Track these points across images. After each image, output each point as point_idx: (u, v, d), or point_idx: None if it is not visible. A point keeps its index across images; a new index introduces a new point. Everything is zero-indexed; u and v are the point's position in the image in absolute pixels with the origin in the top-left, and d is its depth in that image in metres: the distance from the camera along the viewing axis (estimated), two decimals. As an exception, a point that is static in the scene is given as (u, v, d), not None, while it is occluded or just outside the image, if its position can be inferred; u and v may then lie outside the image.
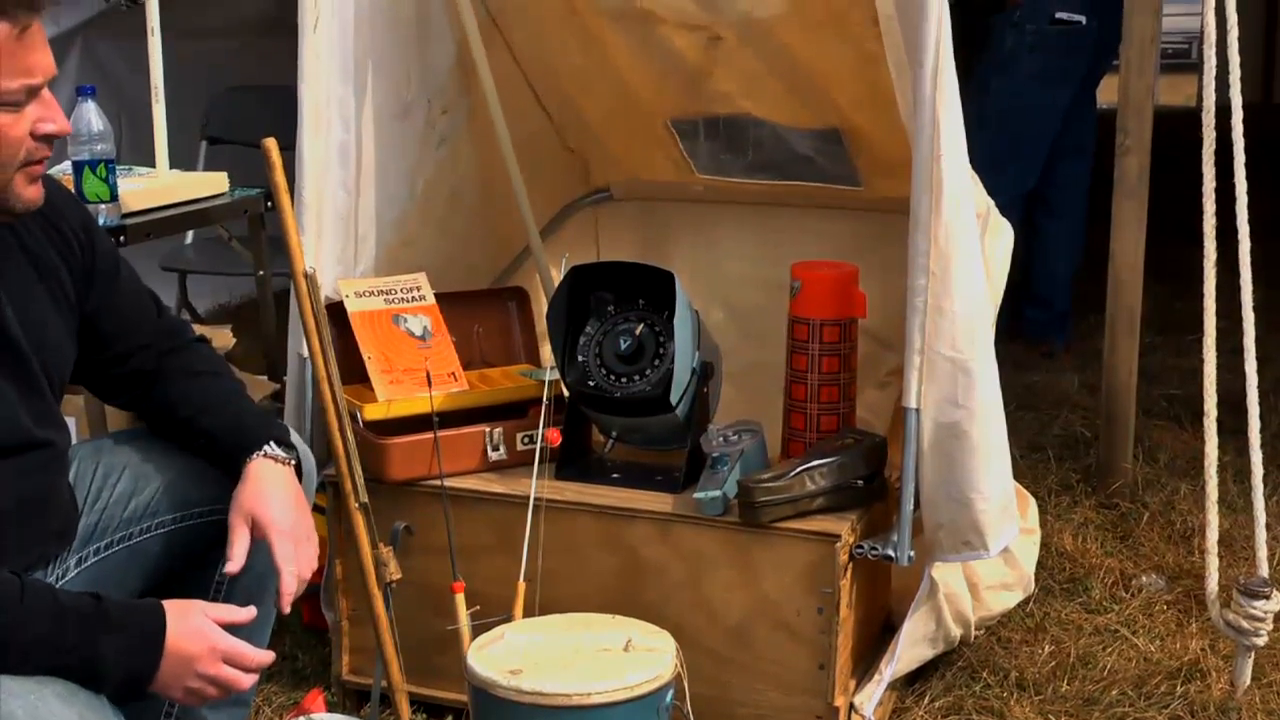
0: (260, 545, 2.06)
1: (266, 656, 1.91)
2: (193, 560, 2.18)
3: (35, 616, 1.76)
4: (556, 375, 2.60)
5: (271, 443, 2.12)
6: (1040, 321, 4.85)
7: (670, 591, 2.47)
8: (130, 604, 1.87)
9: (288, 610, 2.04)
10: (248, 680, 1.87)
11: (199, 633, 1.84)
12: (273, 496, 2.07)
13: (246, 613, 1.90)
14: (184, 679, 1.83)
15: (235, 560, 2.02)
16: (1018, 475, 2.56)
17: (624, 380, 2.56)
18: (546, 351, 2.88)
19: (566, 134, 3.23)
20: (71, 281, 2.05)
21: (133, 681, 1.80)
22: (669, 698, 2.14)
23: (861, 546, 2.40)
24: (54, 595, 1.81)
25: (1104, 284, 3.52)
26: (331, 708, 2.64)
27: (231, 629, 1.95)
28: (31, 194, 1.88)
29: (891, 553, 2.39)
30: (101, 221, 2.77)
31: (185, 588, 2.14)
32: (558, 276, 2.64)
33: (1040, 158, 4.62)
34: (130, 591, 2.13)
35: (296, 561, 2.04)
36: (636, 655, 2.15)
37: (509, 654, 2.18)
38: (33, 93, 1.82)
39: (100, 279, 2.10)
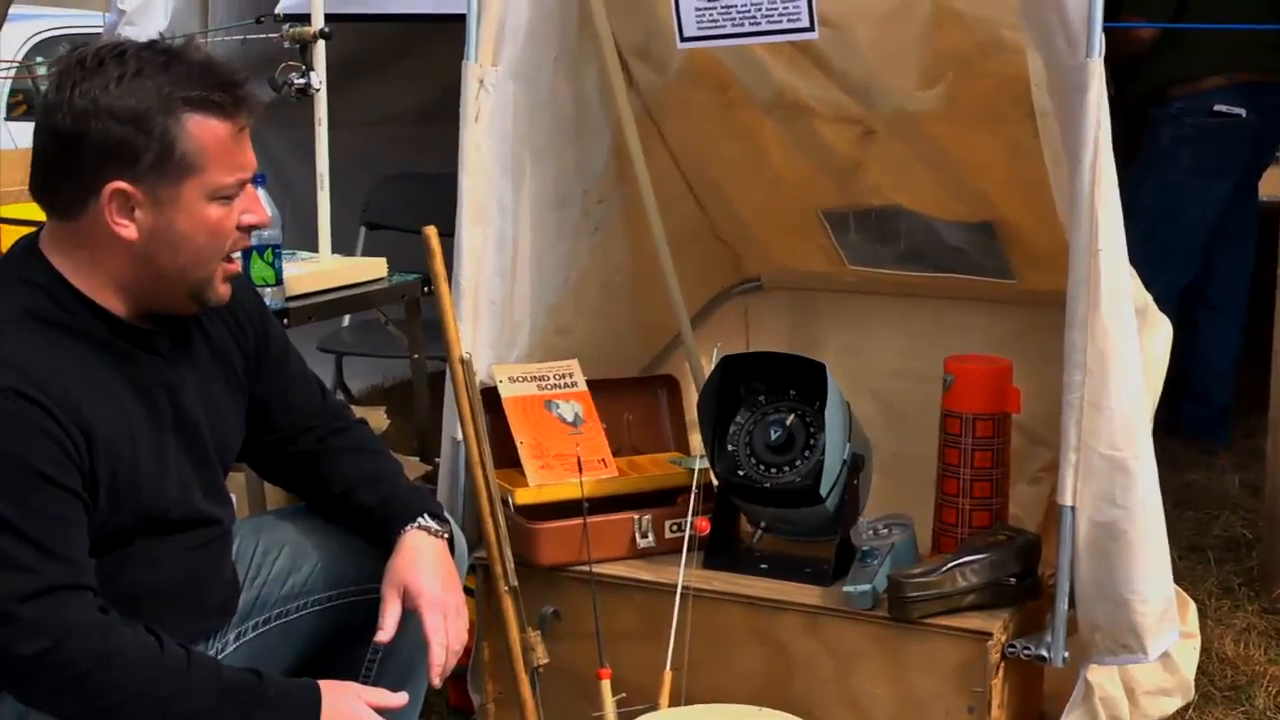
0: (412, 624, 2.11)
1: None
2: (346, 636, 2.23)
3: (199, 689, 1.83)
4: (706, 464, 2.61)
5: (425, 515, 2.16)
6: (1199, 418, 4.73)
7: (817, 686, 2.45)
8: (289, 683, 1.92)
9: (438, 684, 2.07)
10: None
11: (353, 716, 1.88)
12: (425, 568, 2.11)
13: (399, 698, 1.94)
14: None
15: (386, 630, 2.06)
16: (1176, 577, 2.49)
17: (774, 470, 2.57)
18: (696, 440, 2.89)
19: (718, 224, 3.26)
20: (244, 365, 2.15)
21: None
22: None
23: (1014, 645, 2.36)
24: (218, 669, 1.87)
25: (1266, 380, 3.43)
26: (476, 790, 2.66)
27: (383, 712, 2.00)
28: (224, 291, 1.98)
29: (1045, 653, 2.35)
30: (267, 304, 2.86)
31: (338, 663, 2.20)
32: (707, 365, 2.66)
33: (1198, 252, 4.53)
34: (285, 666, 2.19)
35: (446, 634, 2.07)
36: None
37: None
38: (243, 186, 1.93)
39: (271, 364, 2.20)
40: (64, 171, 1.87)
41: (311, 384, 2.29)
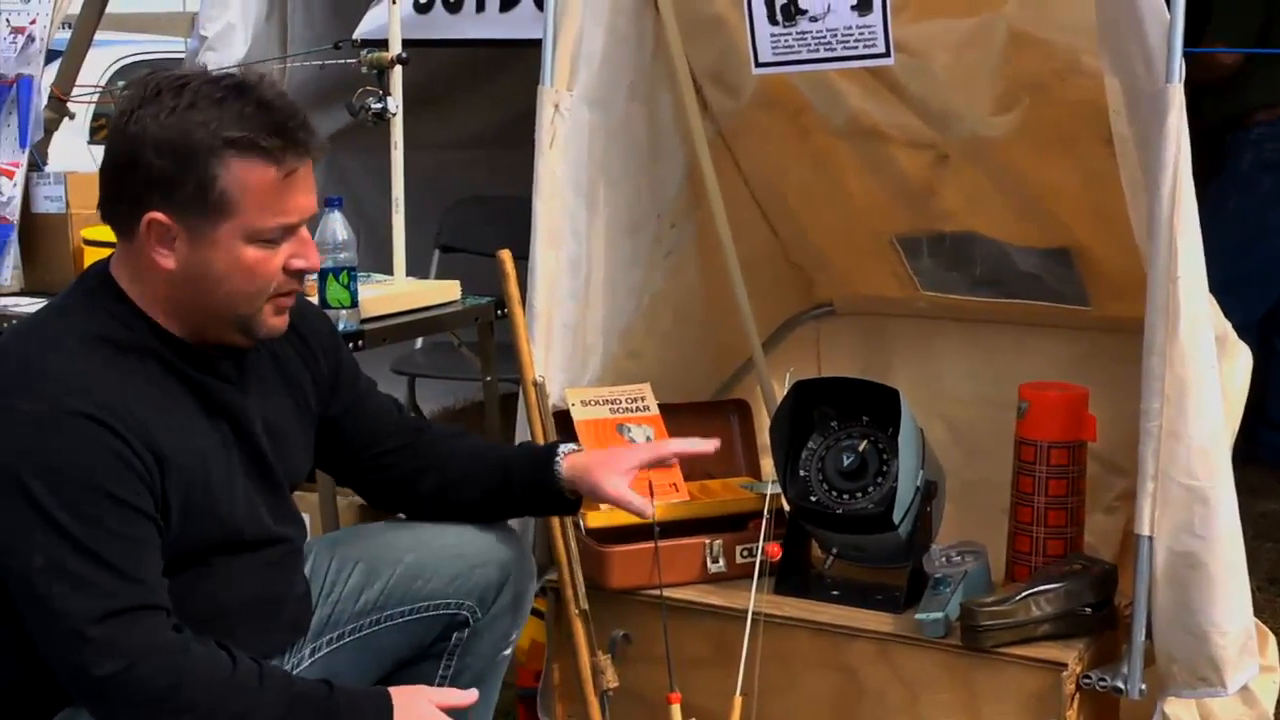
0: (483, 639, 2.23)
1: None
2: (419, 651, 2.26)
3: (271, 702, 1.84)
4: (778, 489, 2.60)
5: (562, 444, 2.28)
6: (1279, 446, 4.66)
7: (888, 714, 2.43)
8: (358, 691, 1.95)
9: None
10: None
11: (425, 718, 1.89)
12: (609, 451, 2.31)
13: (469, 695, 1.96)
14: None
15: (648, 505, 2.21)
16: (1256, 609, 2.45)
17: (846, 497, 2.55)
18: (767, 465, 2.89)
19: (791, 249, 3.25)
20: (315, 391, 2.17)
21: None
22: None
23: (1089, 677, 2.33)
24: (289, 682, 1.89)
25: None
26: (544, 813, 2.66)
27: (456, 714, 2.01)
28: (276, 323, 1.98)
29: (1121, 685, 2.31)
30: (341, 326, 2.89)
31: (413, 678, 2.23)
32: (779, 390, 2.66)
33: (1278, 281, 4.47)
34: (361, 681, 2.21)
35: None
36: None
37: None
38: (289, 231, 1.91)
39: (344, 387, 2.23)
40: (116, 194, 1.89)
41: (385, 402, 2.34)
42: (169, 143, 1.83)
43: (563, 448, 2.27)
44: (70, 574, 1.77)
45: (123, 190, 1.88)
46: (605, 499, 2.24)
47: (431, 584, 2.23)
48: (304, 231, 1.94)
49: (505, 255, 2.59)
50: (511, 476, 2.28)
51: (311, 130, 1.90)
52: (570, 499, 2.27)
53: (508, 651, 2.34)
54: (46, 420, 1.79)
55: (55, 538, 1.76)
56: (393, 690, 1.92)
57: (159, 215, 1.85)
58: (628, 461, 2.25)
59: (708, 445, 2.29)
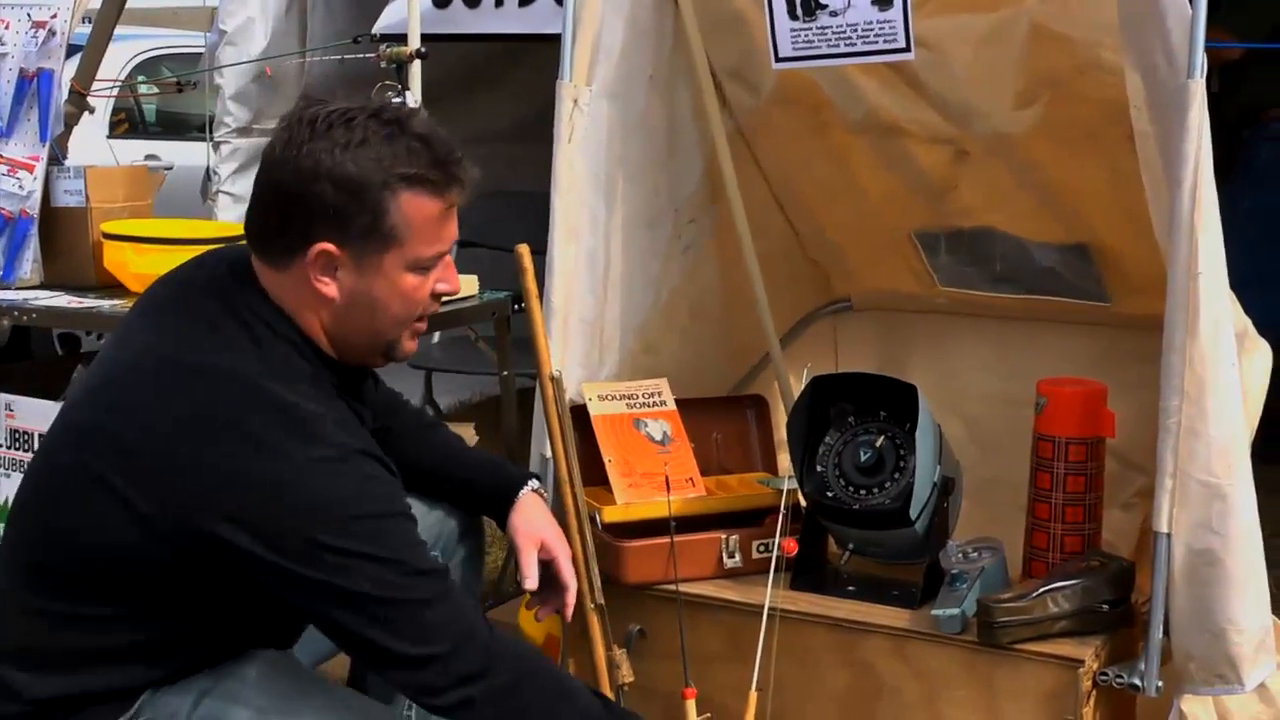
0: None
1: None
2: None
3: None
4: (794, 485, 2.60)
5: (533, 479, 2.39)
6: (1299, 445, 4.63)
7: (904, 710, 2.43)
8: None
9: (570, 619, 2.35)
10: None
11: None
12: (549, 523, 2.35)
13: None
14: None
15: (531, 579, 2.28)
16: (1274, 607, 2.44)
17: (863, 492, 2.55)
18: (784, 460, 2.88)
19: (809, 244, 3.25)
20: None
21: None
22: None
23: (1106, 674, 2.32)
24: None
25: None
26: (560, 807, 2.66)
27: None
28: (411, 347, 2.07)
29: (1138, 682, 2.30)
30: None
31: None
32: (796, 385, 2.65)
33: (1297, 276, 4.45)
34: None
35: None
36: None
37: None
38: (441, 257, 2.00)
39: None
40: (279, 225, 1.94)
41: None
42: (346, 177, 1.89)
43: (521, 492, 2.35)
44: (404, 585, 1.89)
45: (288, 221, 1.93)
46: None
47: None
48: (448, 257, 2.04)
49: (523, 250, 2.59)
50: (469, 500, 2.41)
51: (466, 164, 2.01)
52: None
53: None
54: (340, 457, 1.88)
55: (382, 564, 1.87)
56: None
57: (329, 246, 1.91)
58: (543, 546, 2.33)
59: (569, 604, 2.36)
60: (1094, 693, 2.32)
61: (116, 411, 1.92)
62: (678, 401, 2.78)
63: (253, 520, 1.83)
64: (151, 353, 1.96)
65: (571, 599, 2.33)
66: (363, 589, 1.86)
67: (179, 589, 1.91)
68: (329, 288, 1.94)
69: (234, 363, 1.91)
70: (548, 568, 2.32)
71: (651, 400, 2.77)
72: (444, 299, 2.06)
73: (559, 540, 2.33)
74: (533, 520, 2.33)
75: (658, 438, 2.72)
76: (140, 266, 3.12)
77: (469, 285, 3.44)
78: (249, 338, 1.94)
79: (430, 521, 2.34)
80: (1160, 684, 2.31)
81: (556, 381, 2.62)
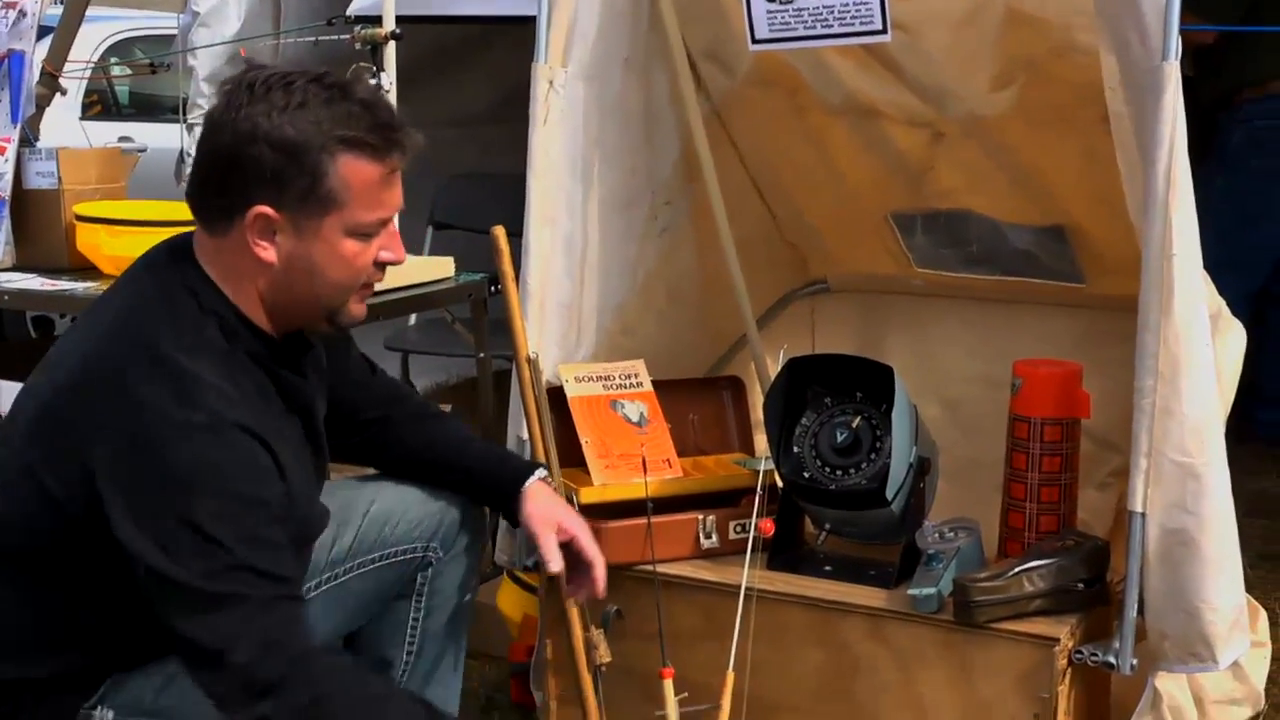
0: (443, 581, 2.35)
1: None
2: (390, 594, 2.35)
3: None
4: (771, 465, 2.60)
5: (541, 469, 2.40)
6: (1272, 423, 4.66)
7: (880, 689, 2.44)
8: None
9: (603, 594, 2.35)
10: None
11: None
12: (563, 506, 2.37)
13: None
14: None
15: (555, 561, 2.30)
16: (1247, 585, 2.45)
17: (839, 473, 2.55)
18: (761, 441, 2.89)
19: (785, 226, 3.25)
20: (328, 373, 2.23)
21: None
22: None
23: (1081, 652, 2.34)
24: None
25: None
26: (538, 787, 2.67)
27: (429, 682, 2.27)
28: (358, 312, 2.05)
29: (1113, 660, 2.32)
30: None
31: (383, 621, 2.36)
32: (773, 367, 2.66)
33: (1269, 256, 4.47)
34: (336, 625, 2.31)
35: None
36: None
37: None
38: (383, 224, 1.98)
39: (336, 352, 2.28)
40: (217, 188, 1.93)
41: (362, 361, 2.41)
42: (283, 139, 1.88)
43: (528, 481, 2.35)
44: (225, 577, 1.82)
45: (227, 184, 1.92)
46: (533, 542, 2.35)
47: (399, 529, 2.32)
48: (393, 226, 2.01)
49: (499, 232, 2.59)
50: (473, 490, 2.40)
51: (408, 130, 1.97)
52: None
53: (468, 598, 2.43)
54: (210, 428, 1.84)
55: (214, 546, 1.81)
56: None
57: (266, 209, 1.90)
58: (561, 529, 2.33)
59: (598, 587, 2.36)
60: (1069, 671, 2.33)
61: (42, 392, 1.94)
62: (654, 383, 2.78)
63: (118, 475, 1.82)
64: (80, 331, 2.01)
65: (601, 573, 2.33)
66: (181, 566, 1.81)
67: (121, 568, 1.87)
68: (267, 252, 1.92)
69: (142, 331, 1.92)
70: (568, 549, 2.32)
71: (628, 382, 2.77)
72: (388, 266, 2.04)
73: (575, 520, 2.34)
74: (545, 505, 2.33)
75: (635, 419, 2.72)
76: (114, 249, 3.11)
77: (444, 268, 3.44)
78: (168, 310, 1.93)
79: (431, 510, 2.34)
80: (1135, 662, 2.33)
81: (533, 363, 2.62)
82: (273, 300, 1.97)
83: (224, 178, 1.91)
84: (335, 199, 1.91)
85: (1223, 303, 2.53)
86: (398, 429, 2.37)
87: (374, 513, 2.32)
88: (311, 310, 2.01)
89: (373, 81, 3.12)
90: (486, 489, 2.40)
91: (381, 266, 2.02)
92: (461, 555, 2.39)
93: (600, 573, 2.33)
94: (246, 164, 1.89)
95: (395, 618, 2.37)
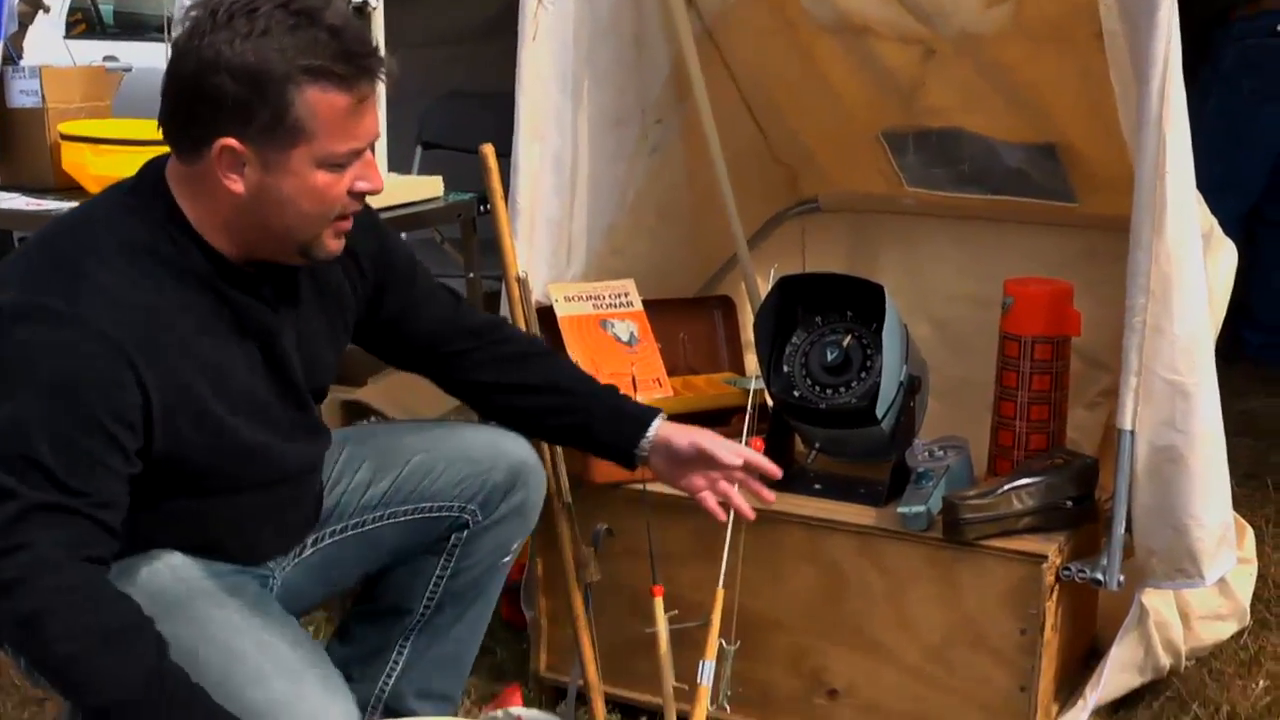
0: (482, 543, 2.28)
1: None
2: (420, 548, 2.30)
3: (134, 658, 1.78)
4: (761, 384, 2.60)
5: (660, 413, 2.30)
6: (1261, 344, 4.68)
7: (869, 606, 2.46)
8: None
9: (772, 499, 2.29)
10: None
11: None
12: (696, 432, 2.27)
13: None
14: None
15: (721, 513, 2.25)
16: (1234, 504, 2.48)
17: (829, 392, 2.56)
18: (751, 360, 2.89)
19: (776, 145, 3.23)
20: (354, 306, 2.17)
21: None
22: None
23: (1069, 569, 2.36)
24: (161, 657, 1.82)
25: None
26: (528, 703, 2.69)
27: (440, 638, 2.20)
28: (335, 246, 1.97)
29: (1100, 576, 2.34)
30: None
31: (407, 574, 2.30)
32: (764, 286, 2.65)
33: (1261, 177, 4.47)
34: (356, 573, 2.29)
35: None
36: None
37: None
38: (357, 155, 1.90)
39: (394, 293, 2.22)
40: (184, 118, 1.87)
41: (442, 301, 2.31)
42: (245, 68, 1.81)
43: (653, 426, 2.27)
44: (7, 464, 1.74)
45: (193, 114, 1.86)
46: (687, 491, 2.30)
47: (437, 484, 2.25)
48: (369, 154, 1.93)
49: (487, 150, 2.57)
50: (590, 429, 2.31)
51: (380, 56, 1.90)
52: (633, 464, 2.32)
53: (508, 559, 2.37)
54: (66, 323, 1.78)
55: (23, 428, 1.74)
56: None
57: (232, 141, 1.84)
58: (717, 464, 2.26)
59: (767, 495, 2.30)
60: (1057, 587, 2.35)
61: None
62: (645, 302, 2.78)
63: None
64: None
65: (773, 468, 2.26)
66: None
67: None
68: (235, 184, 1.86)
69: (69, 223, 1.90)
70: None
71: (618, 301, 2.76)
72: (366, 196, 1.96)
73: (720, 442, 2.26)
74: (692, 435, 2.26)
75: (625, 338, 2.72)
76: (99, 168, 3.08)
77: (433, 187, 3.41)
78: (118, 219, 1.89)
79: (476, 470, 2.27)
80: (1122, 578, 2.35)
81: (522, 282, 2.62)
82: (241, 229, 1.91)
83: (190, 108, 1.85)
84: (302, 131, 1.83)
85: (1214, 221, 2.53)
86: (489, 366, 2.30)
87: (415, 464, 2.26)
88: (283, 242, 1.93)
89: (357, 0, 3.08)
90: (605, 437, 2.31)
91: (358, 197, 1.94)
92: (502, 521, 2.30)
93: (771, 468, 2.26)
94: (210, 94, 1.82)
95: (419, 569, 2.30)
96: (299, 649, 1.97)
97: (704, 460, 2.26)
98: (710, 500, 2.27)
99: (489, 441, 2.32)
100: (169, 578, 1.95)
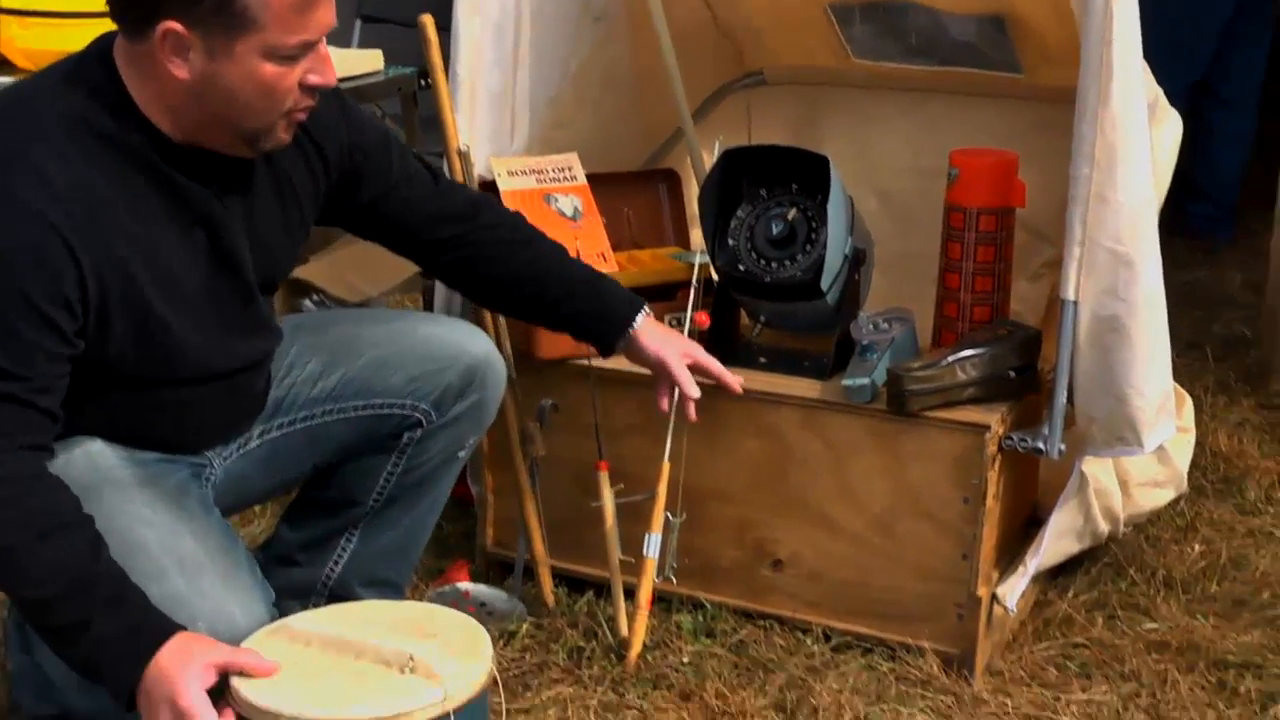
0: (437, 439, 2.25)
1: None
2: (370, 445, 2.26)
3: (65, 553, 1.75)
4: (706, 258, 2.60)
5: (645, 305, 2.33)
6: (1204, 217, 4.71)
7: (813, 477, 2.48)
8: (150, 611, 1.79)
9: (739, 389, 2.39)
10: None
11: (166, 699, 1.71)
12: (677, 335, 2.37)
13: (265, 665, 1.76)
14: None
15: (697, 389, 2.32)
16: (1175, 374, 2.50)
17: (774, 265, 2.55)
18: (696, 235, 2.88)
19: (721, 17, 3.18)
20: (317, 196, 2.10)
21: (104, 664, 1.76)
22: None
23: (1011, 438, 2.38)
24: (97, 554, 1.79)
25: (1274, 177, 3.39)
26: (475, 578, 2.71)
27: (390, 527, 2.21)
28: (284, 138, 1.90)
29: (1042, 445, 2.36)
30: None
31: (357, 471, 2.27)
32: (709, 160, 2.63)
33: (1209, 47, 4.45)
34: (304, 468, 2.25)
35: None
36: (408, 681, 1.75)
37: (283, 647, 1.83)
38: (308, 47, 1.82)
39: (370, 178, 2.16)
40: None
41: (419, 174, 2.25)
42: None
43: (634, 325, 2.30)
44: None
45: None
46: (664, 376, 2.35)
47: (390, 381, 2.22)
48: (323, 46, 1.85)
49: (427, 21, 2.52)
50: (573, 325, 2.35)
51: None
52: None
53: (463, 453, 2.35)
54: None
55: None
56: (171, 651, 1.73)
57: (176, 25, 1.75)
58: (684, 347, 2.36)
59: (735, 386, 2.40)
60: (999, 457, 2.37)
61: None
62: (589, 176, 2.75)
63: None
64: None
65: (732, 380, 2.38)
66: None
67: None
68: (179, 70, 1.79)
69: (10, 94, 1.85)
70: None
71: (562, 175, 2.73)
72: (319, 90, 1.87)
73: (694, 345, 2.36)
74: (665, 339, 2.33)
75: (569, 213, 2.70)
76: (26, 41, 2.99)
77: (373, 61, 3.36)
78: (56, 93, 1.83)
79: (433, 368, 2.23)
80: (1063, 447, 2.38)
81: (464, 156, 2.59)
82: (187, 115, 1.84)
83: None
84: (250, 19, 1.75)
85: (1160, 91, 2.52)
86: (472, 252, 2.27)
87: (370, 358, 2.22)
88: (229, 132, 1.86)
89: None
90: (586, 328, 2.33)
91: (309, 91, 1.86)
92: (456, 421, 2.27)
93: (732, 381, 2.37)
94: None
95: (370, 466, 2.27)
96: (206, 542, 1.93)
97: (667, 376, 2.32)
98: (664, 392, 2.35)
99: (446, 338, 2.28)
100: (84, 465, 1.91)
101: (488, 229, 2.29)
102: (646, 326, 2.31)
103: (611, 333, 2.31)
